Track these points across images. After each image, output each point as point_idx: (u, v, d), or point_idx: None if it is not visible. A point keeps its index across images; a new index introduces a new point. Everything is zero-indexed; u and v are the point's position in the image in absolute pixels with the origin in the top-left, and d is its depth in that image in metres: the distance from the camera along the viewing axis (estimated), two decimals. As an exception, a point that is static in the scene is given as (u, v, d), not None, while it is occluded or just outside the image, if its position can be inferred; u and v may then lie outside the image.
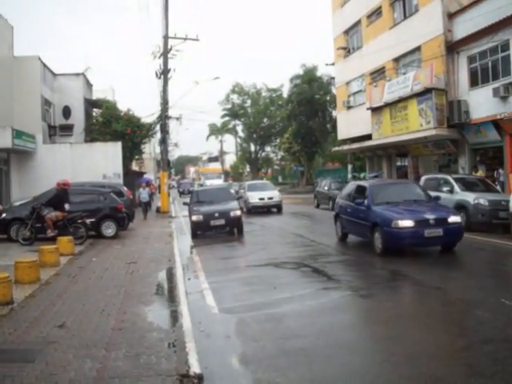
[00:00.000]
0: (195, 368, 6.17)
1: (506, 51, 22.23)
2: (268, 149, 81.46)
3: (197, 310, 9.18)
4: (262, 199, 31.09)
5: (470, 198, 18.63)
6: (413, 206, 14.69)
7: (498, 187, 21.67)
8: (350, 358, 6.71)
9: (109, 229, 19.96)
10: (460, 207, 18.65)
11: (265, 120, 75.64)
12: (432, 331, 7.71)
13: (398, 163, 34.35)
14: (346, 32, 37.78)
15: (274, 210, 31.33)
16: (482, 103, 23.56)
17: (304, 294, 10.31)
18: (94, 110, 39.39)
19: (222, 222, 20.52)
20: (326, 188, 33.38)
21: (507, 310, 8.53)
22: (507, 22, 21.34)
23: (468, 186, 19.71)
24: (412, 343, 7.16)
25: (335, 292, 10.42)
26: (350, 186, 17.89)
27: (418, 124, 26.84)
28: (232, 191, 40.34)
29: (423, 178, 22.80)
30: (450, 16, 25.68)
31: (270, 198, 31.18)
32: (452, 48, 25.51)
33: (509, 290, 9.88)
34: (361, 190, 16.06)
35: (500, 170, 23.24)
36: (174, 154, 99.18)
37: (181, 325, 7.97)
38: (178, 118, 50.05)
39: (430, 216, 13.62)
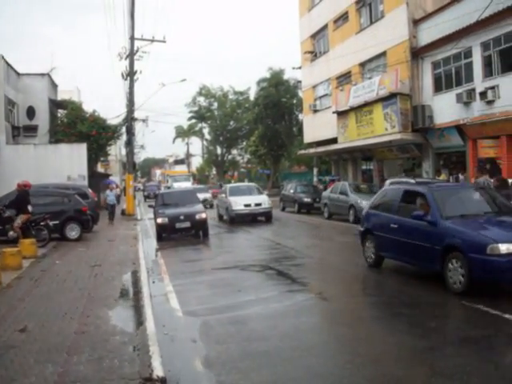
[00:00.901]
0: (158, 371, 6.09)
1: (468, 58, 22.57)
2: (234, 152, 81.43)
3: (161, 313, 9.10)
4: (247, 206, 25.89)
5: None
6: (503, 220, 10.32)
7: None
8: (313, 361, 6.69)
9: (73, 231, 19.66)
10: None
11: (231, 123, 75.55)
12: (397, 333, 7.74)
13: (364, 167, 34.63)
14: (313, 36, 37.96)
15: (262, 218, 26.55)
16: (445, 108, 23.89)
17: (268, 296, 10.29)
18: (59, 110, 38.77)
19: (187, 224, 20.39)
20: (291, 191, 33.43)
21: (467, 311, 8.65)
22: (470, 29, 21.69)
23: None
24: (376, 345, 7.22)
25: (300, 295, 10.44)
26: (391, 192, 12.99)
27: (383, 128, 27.09)
28: (208, 195, 40.03)
29: (387, 182, 22.93)
30: (415, 22, 25.99)
31: (258, 205, 26.04)
32: (417, 54, 25.83)
33: (468, 291, 9.81)
34: (411, 198, 11.70)
35: (459, 175, 23.53)
36: (140, 157, 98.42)
37: (145, 328, 7.86)
38: (144, 120, 49.76)
39: None
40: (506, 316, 8.09)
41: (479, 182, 16.99)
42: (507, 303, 8.95)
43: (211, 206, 37.17)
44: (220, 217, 28.58)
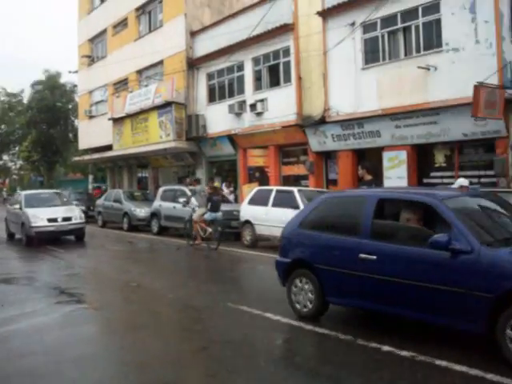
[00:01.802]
0: None
1: (241, 71, 23.02)
2: (6, 157, 75.22)
3: None
4: (53, 221, 18.64)
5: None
6: None
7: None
8: (79, 373, 6.00)
9: None
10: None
11: (2, 126, 69.36)
12: (163, 340, 7.25)
13: (140, 174, 33.81)
14: (91, 40, 36.26)
15: (72, 237, 19.85)
16: (218, 118, 24.00)
17: (35, 310, 9.06)
18: None
19: None
20: (64, 199, 31.30)
21: (232, 312, 8.51)
22: (242, 45, 22.15)
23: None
24: (144, 352, 6.72)
25: (69, 306, 9.36)
26: (347, 202, 8.14)
27: (158, 136, 26.55)
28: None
29: (161, 189, 22.66)
30: (192, 34, 25.92)
31: (67, 219, 18.92)
32: (193, 64, 25.73)
33: (235, 293, 9.99)
34: (393, 211, 7.47)
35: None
36: None
37: None
38: None
39: None
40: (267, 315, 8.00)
41: (198, 191, 17.89)
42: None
43: None
44: (10, 235, 21.17)
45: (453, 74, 15.01)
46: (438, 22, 15.56)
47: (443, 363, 5.80)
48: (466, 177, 13.40)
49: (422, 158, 16.76)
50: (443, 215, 6.44)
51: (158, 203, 21.78)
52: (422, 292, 6.37)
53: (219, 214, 17.28)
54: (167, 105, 25.81)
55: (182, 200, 19.39)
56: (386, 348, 6.36)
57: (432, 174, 16.60)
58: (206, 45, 24.77)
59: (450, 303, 6.15)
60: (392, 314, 7.05)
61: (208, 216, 16.98)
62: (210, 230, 16.94)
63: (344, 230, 7.54)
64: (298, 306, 7.91)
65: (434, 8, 15.63)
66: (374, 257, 6.83)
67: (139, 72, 30.53)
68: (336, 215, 8.04)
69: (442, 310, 6.28)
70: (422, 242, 6.43)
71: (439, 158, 16.42)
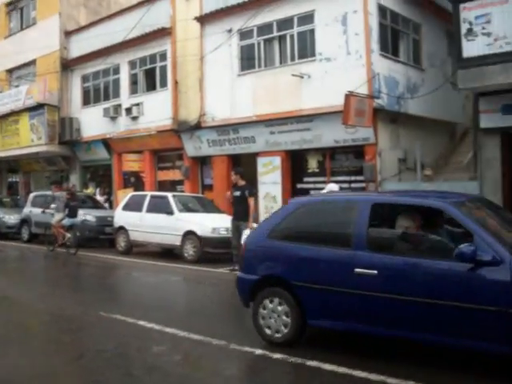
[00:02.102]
0: None
1: (117, 74, 22.14)
2: None
3: None
4: None
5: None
6: None
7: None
8: None
9: None
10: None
11: None
12: (30, 353, 6.46)
13: (10, 179, 31.52)
14: (-43, 36, 33.52)
15: None
16: (93, 122, 22.92)
17: None
18: None
19: None
20: None
21: (104, 321, 7.97)
22: (118, 47, 21.33)
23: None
24: (8, 368, 5.91)
25: None
26: (328, 208, 6.75)
27: (30, 139, 24.91)
28: None
29: (32, 195, 21.41)
30: (67, 34, 24.57)
31: None
32: (67, 65, 24.39)
33: (108, 302, 9.42)
34: (389, 217, 6.54)
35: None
36: None
37: None
38: None
39: None
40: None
41: (57, 196, 17.25)
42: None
43: None
44: None
45: (325, 82, 15.20)
46: (312, 32, 15.75)
47: (313, 363, 5.68)
48: (337, 182, 13.75)
49: (295, 164, 16.88)
50: (461, 222, 5.48)
51: (28, 209, 20.48)
52: (441, 312, 5.29)
53: (77, 220, 16.97)
54: (39, 107, 24.29)
55: (53, 206, 18.29)
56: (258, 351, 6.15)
57: (305, 180, 16.74)
58: (81, 46, 23.51)
59: (476, 323, 5.11)
60: (400, 337, 5.75)
61: (66, 222, 16.61)
62: (68, 235, 16.44)
63: (330, 241, 6.24)
64: (268, 331, 6.40)
65: (308, 18, 15.80)
66: (375, 271, 5.62)
67: (9, 71, 28.44)
68: (317, 223, 6.67)
69: (468, 332, 5.16)
70: (438, 253, 5.64)
71: (312, 164, 16.60)
